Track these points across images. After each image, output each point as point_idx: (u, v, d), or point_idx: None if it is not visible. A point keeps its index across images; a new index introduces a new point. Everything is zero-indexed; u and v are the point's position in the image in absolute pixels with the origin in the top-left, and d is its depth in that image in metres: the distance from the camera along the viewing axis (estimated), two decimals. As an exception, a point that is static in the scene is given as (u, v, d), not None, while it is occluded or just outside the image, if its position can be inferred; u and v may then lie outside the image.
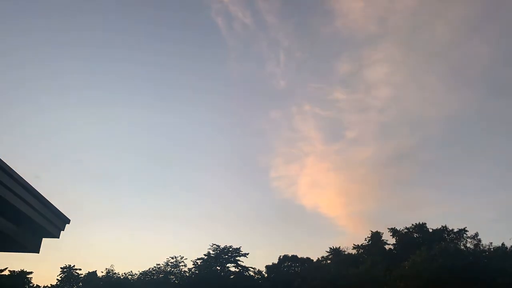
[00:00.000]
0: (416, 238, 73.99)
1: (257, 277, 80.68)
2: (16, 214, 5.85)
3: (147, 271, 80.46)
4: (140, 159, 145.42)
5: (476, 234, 68.26)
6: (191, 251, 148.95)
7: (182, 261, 79.77)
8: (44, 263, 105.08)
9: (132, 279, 79.15)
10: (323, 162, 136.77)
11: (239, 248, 79.15)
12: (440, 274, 55.12)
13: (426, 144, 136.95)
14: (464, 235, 70.68)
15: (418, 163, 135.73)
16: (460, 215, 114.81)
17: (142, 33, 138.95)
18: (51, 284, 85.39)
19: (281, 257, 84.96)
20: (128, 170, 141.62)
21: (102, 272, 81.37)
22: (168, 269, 79.24)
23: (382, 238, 77.50)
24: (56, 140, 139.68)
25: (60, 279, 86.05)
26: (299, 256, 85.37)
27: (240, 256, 79.03)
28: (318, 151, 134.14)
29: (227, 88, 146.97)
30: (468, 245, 67.80)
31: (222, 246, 79.18)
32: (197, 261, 78.98)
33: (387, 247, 77.22)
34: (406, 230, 76.27)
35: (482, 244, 65.82)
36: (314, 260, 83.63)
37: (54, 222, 6.62)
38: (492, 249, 63.52)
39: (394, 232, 76.48)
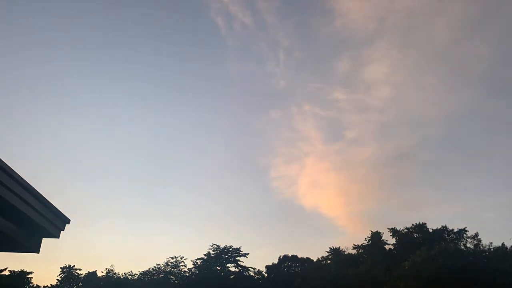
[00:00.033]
0: (416, 238, 73.98)
1: (257, 277, 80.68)
2: (16, 214, 5.86)
3: (147, 271, 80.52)
4: (140, 159, 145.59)
5: (476, 234, 68.34)
6: (191, 251, 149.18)
7: (182, 261, 79.87)
8: (44, 263, 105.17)
9: (132, 279, 79.16)
10: (323, 162, 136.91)
11: (239, 248, 79.26)
12: (440, 274, 55.12)
13: (426, 144, 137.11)
14: (464, 235, 70.70)
15: (418, 163, 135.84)
16: (460, 215, 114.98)
17: (141, 33, 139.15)
18: (51, 284, 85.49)
19: (281, 257, 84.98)
20: (128, 170, 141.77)
21: (102, 272, 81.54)
22: (168, 269, 79.25)
23: (382, 238, 77.55)
24: (56, 140, 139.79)
25: (60, 279, 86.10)
26: (299, 256, 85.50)
27: (240, 256, 79.08)
28: (318, 151, 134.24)
29: (227, 88, 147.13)
30: (468, 245, 67.88)
31: (222, 246, 79.27)
32: (197, 261, 79.05)
33: (387, 247, 77.23)
34: (406, 230, 76.29)
35: (482, 244, 65.89)
36: (314, 260, 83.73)
37: (54, 222, 6.62)
38: (492, 249, 63.52)
39: (394, 232, 76.49)
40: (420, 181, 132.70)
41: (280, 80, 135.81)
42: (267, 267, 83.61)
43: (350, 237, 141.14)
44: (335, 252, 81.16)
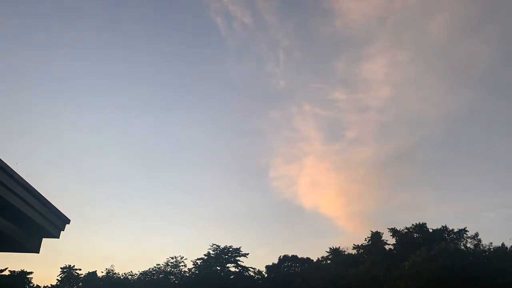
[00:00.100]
0: (416, 238, 73.97)
1: (257, 277, 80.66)
2: (16, 214, 5.86)
3: (147, 271, 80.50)
4: (140, 159, 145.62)
5: (476, 234, 68.34)
6: (191, 251, 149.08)
7: (182, 261, 79.86)
8: (44, 263, 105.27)
9: (132, 279, 79.14)
10: (323, 162, 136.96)
11: (239, 248, 79.24)
12: (440, 274, 55.12)
13: (426, 144, 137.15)
14: (464, 235, 70.70)
15: (418, 163, 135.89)
16: (460, 215, 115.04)
17: (141, 34, 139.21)
18: (51, 284, 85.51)
19: (281, 257, 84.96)
20: (128, 170, 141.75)
21: (102, 272, 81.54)
22: (168, 269, 79.24)
23: (382, 238, 77.55)
24: (56, 140, 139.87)
25: (60, 279, 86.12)
26: (299, 256, 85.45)
27: (240, 256, 79.06)
28: (318, 151, 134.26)
29: (227, 88, 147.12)
30: (468, 245, 67.89)
31: (222, 246, 79.25)
32: (197, 261, 79.04)
33: (387, 247, 77.23)
34: (406, 230, 76.28)
35: (482, 244, 65.91)
36: (314, 260, 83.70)
37: (54, 222, 6.62)
38: (492, 249, 63.54)
39: (394, 232, 76.47)
40: (420, 181, 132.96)
41: (280, 80, 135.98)
42: (267, 267, 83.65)
43: (350, 237, 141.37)
44: (335, 252, 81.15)
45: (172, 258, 79.71)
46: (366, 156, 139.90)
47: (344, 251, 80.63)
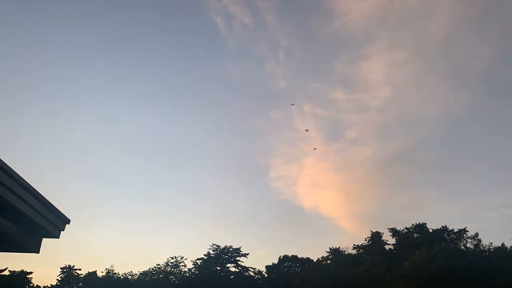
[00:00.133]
0: (416, 238, 73.95)
1: (257, 277, 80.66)
2: (16, 214, 5.86)
3: (147, 271, 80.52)
4: (140, 159, 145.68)
5: (476, 234, 68.34)
6: (191, 251, 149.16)
7: (182, 261, 79.89)
8: (44, 263, 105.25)
9: (132, 279, 79.15)
10: (323, 162, 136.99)
11: (239, 248, 79.22)
12: (440, 274, 55.13)
13: (426, 144, 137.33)
14: (464, 235, 70.69)
15: (418, 163, 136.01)
16: (460, 215, 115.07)
17: (141, 34, 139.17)
18: (51, 284, 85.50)
19: (281, 257, 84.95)
20: (128, 170, 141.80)
21: (102, 272, 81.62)
22: (168, 269, 79.23)
23: (382, 238, 77.53)
24: (56, 141, 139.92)
25: (60, 279, 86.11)
26: (299, 256, 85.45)
27: (240, 256, 79.04)
28: (318, 151, 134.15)
29: (227, 88, 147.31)
30: (468, 245, 67.91)
31: (222, 246, 79.25)
32: (197, 261, 79.04)
33: (387, 247, 77.20)
34: (406, 230, 76.25)
35: (482, 244, 65.93)
36: (314, 260, 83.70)
37: (54, 222, 6.62)
38: (492, 249, 63.55)
39: (394, 232, 76.45)
40: (420, 181, 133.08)
41: (280, 80, 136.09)
42: (267, 267, 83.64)
43: (350, 237, 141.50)
44: (335, 252, 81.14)
45: (172, 258, 79.85)
46: (366, 156, 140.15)
47: (344, 251, 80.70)
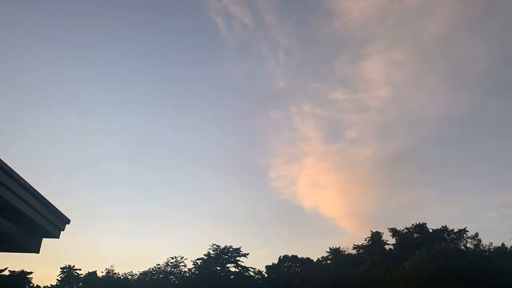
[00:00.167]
0: (416, 238, 73.94)
1: (257, 277, 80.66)
2: (16, 214, 5.86)
3: (147, 271, 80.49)
4: (140, 159, 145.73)
5: (476, 234, 68.30)
6: (191, 251, 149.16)
7: (182, 261, 79.85)
8: (44, 263, 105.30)
9: (132, 279, 79.14)
10: (323, 162, 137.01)
11: (239, 248, 79.21)
12: (440, 274, 55.12)
13: (426, 144, 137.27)
14: (464, 235, 70.67)
15: (418, 163, 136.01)
16: (460, 215, 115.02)
17: (140, 34, 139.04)
18: (51, 284, 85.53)
19: (281, 257, 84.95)
20: (128, 170, 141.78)
21: (102, 272, 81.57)
22: (168, 269, 79.23)
23: (382, 238, 77.50)
24: (57, 141, 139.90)
25: (60, 279, 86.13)
26: (299, 256, 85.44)
27: (240, 256, 79.03)
28: (318, 151, 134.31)
29: (227, 88, 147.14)
30: (468, 245, 67.85)
31: (222, 246, 79.23)
32: (197, 261, 79.01)
33: (387, 247, 77.19)
34: (406, 230, 76.24)
35: (482, 244, 65.88)
36: (314, 260, 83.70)
37: (54, 223, 6.62)
38: (492, 249, 63.54)
39: (394, 232, 76.45)
40: (420, 181, 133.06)
41: (280, 80, 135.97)
42: (267, 267, 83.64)
43: (350, 237, 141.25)
44: (335, 252, 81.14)
45: (172, 258, 79.82)
46: (366, 156, 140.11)
47: (344, 251, 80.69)
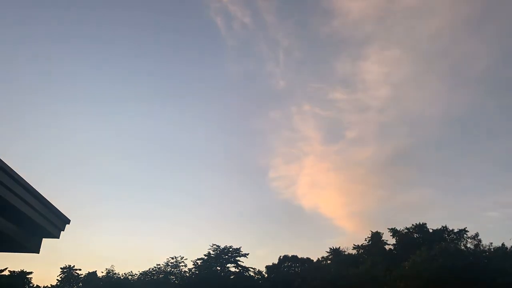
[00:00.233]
0: (416, 238, 73.95)
1: (257, 277, 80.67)
2: (16, 214, 5.86)
3: (147, 271, 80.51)
4: (140, 159, 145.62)
5: (476, 235, 68.31)
6: (191, 251, 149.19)
7: (182, 261, 79.87)
8: (44, 263, 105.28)
9: (132, 279, 79.14)
10: (323, 162, 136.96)
11: (239, 248, 79.23)
12: (440, 274, 55.12)
13: (426, 144, 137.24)
14: (464, 235, 70.67)
15: (418, 163, 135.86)
16: (460, 215, 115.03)
17: (140, 34, 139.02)
18: (51, 284, 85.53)
19: (281, 257, 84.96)
20: (128, 170, 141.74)
21: (102, 272, 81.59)
22: (168, 269, 79.24)
23: (382, 238, 77.51)
24: (56, 141, 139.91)
25: (60, 279, 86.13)
26: (299, 256, 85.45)
27: (240, 256, 79.05)
28: (318, 151, 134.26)
29: (227, 88, 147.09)
30: (468, 245, 67.86)
31: (222, 246, 79.25)
32: (197, 261, 79.02)
33: (387, 247, 77.20)
34: (406, 230, 76.25)
35: (482, 244, 65.89)
36: (314, 260, 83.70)
37: (54, 223, 6.62)
38: (492, 249, 63.53)
39: (394, 232, 76.45)
40: (420, 181, 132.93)
41: (280, 80, 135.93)
42: (267, 267, 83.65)
43: (350, 237, 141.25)
44: (335, 252, 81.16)
45: (172, 258, 79.85)
46: (366, 156, 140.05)
47: (344, 251, 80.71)
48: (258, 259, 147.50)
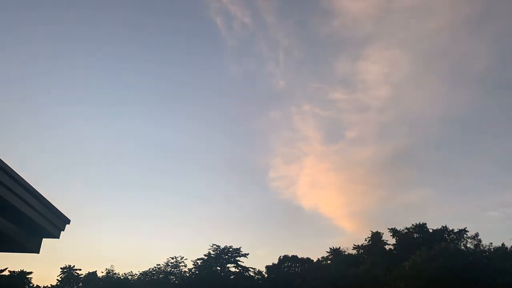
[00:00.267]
0: (416, 238, 73.96)
1: (257, 277, 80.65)
2: (16, 214, 5.86)
3: (147, 271, 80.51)
4: (140, 159, 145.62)
5: (476, 234, 68.33)
6: (191, 251, 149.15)
7: (182, 261, 79.86)
8: (44, 263, 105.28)
9: (132, 279, 79.14)
10: (322, 162, 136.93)
11: (239, 248, 79.22)
12: (440, 274, 55.13)
13: (426, 143, 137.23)
14: (464, 235, 70.69)
15: (418, 163, 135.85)
16: (460, 215, 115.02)
17: (140, 34, 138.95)
18: (51, 284, 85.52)
19: (281, 257, 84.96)
20: (128, 170, 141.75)
21: (102, 272, 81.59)
22: (168, 269, 79.24)
23: (382, 238, 77.55)
24: (57, 142, 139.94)
25: (60, 279, 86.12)
26: (299, 256, 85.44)
27: (240, 256, 79.04)
28: (318, 151, 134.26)
29: (226, 88, 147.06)
30: (468, 245, 67.89)
31: (222, 246, 79.25)
32: (197, 261, 79.02)
33: (387, 247, 77.23)
34: (406, 230, 76.27)
35: (482, 244, 65.92)
36: (314, 260, 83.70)
37: (54, 223, 6.62)
38: (492, 249, 63.55)
39: (394, 232, 76.48)
40: (420, 181, 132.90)
41: (279, 80, 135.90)
42: (267, 267, 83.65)
43: (350, 237, 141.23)
44: (335, 252, 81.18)
45: (172, 258, 79.84)
46: (366, 156, 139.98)
47: (344, 251, 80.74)
48: (258, 259, 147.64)
